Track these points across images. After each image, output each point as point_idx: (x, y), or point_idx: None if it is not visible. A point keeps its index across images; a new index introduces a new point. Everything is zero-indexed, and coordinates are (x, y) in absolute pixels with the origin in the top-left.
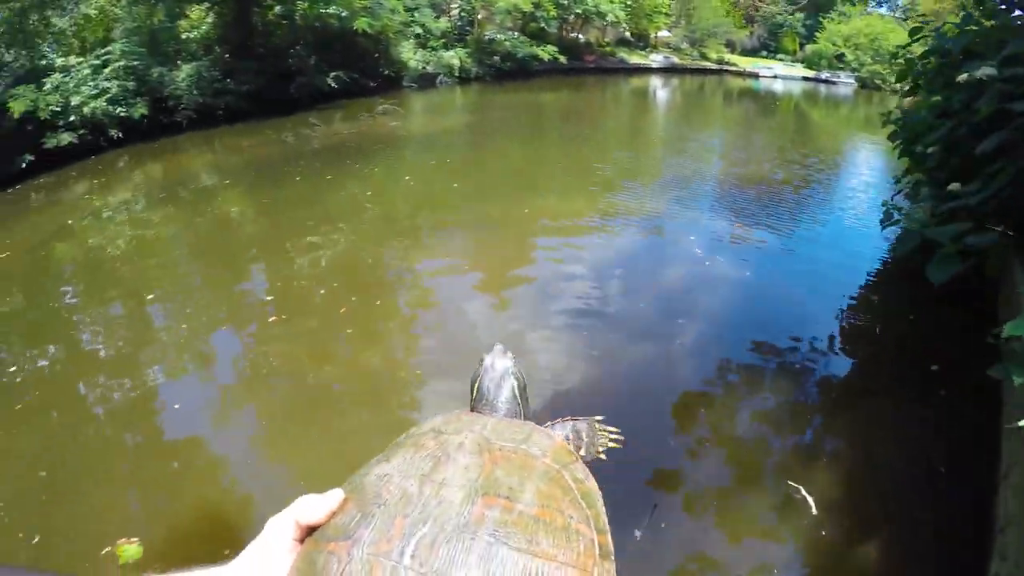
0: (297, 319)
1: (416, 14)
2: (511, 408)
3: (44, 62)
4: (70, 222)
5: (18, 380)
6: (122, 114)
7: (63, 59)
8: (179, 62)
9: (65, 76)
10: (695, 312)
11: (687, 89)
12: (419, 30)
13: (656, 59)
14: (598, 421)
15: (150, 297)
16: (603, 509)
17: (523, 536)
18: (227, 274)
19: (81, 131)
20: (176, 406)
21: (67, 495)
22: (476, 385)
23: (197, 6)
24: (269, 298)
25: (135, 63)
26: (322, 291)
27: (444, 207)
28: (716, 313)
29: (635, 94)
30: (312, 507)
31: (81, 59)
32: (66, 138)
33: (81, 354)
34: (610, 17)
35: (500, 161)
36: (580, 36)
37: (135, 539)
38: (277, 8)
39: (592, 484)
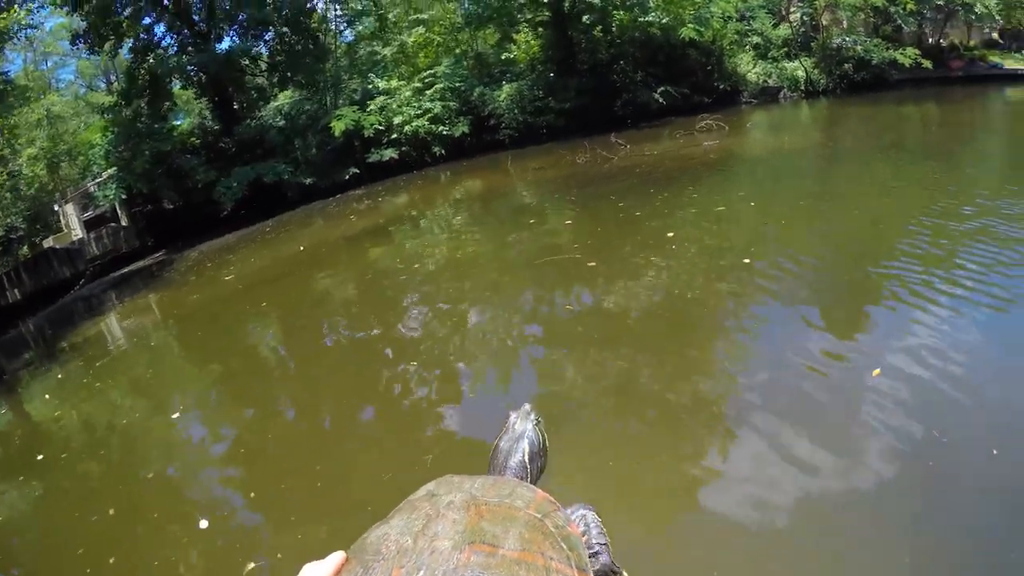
0: None
1: (753, 22)
2: (519, 472)
3: (371, 86)
4: (386, 225)
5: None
6: (444, 132)
7: (386, 83)
8: (503, 82)
9: (388, 98)
10: None
11: None
12: (757, 39)
13: None
14: (622, 573)
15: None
16: (584, 552)
17: (504, 574)
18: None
19: (404, 147)
20: None
21: None
22: (495, 444)
23: (525, 28)
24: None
25: (458, 84)
26: None
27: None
28: None
29: (1010, 108)
30: (318, 571)
31: (403, 83)
32: (388, 153)
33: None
34: (978, 8)
35: (837, 206)
36: (941, 40)
37: None
38: (586, 17)
39: (574, 529)
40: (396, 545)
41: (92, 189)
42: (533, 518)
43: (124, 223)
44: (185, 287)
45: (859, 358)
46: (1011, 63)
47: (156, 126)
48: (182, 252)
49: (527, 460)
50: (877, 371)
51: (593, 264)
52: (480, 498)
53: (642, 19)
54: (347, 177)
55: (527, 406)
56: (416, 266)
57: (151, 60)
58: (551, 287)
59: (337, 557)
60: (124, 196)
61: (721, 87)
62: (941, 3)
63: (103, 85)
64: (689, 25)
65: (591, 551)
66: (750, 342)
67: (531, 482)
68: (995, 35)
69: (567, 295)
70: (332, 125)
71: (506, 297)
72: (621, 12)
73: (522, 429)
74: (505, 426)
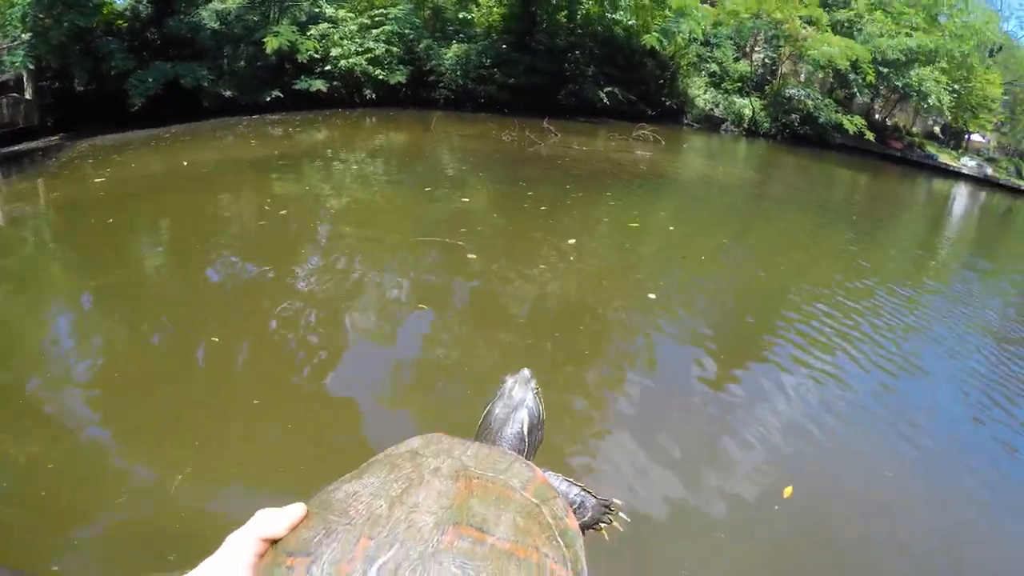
0: None
1: (716, 50)
2: (515, 444)
3: (318, 10)
4: (284, 158)
5: None
6: (380, 76)
7: (334, 11)
8: (454, 41)
9: (332, 27)
10: None
11: (992, 208)
12: (715, 68)
13: (968, 164)
14: (612, 504)
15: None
16: (582, 550)
17: (493, 571)
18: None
19: (335, 82)
20: None
21: None
22: (488, 409)
23: None
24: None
25: (407, 31)
26: None
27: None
28: None
29: (934, 199)
30: (272, 520)
31: (352, 15)
32: (317, 84)
33: None
34: (932, 100)
35: (755, 259)
36: (887, 119)
37: None
38: None
39: (572, 523)
40: (367, 509)
41: (2, 53)
42: (530, 503)
43: (28, 96)
44: (55, 181)
45: (768, 476)
46: (945, 158)
47: None
48: (75, 141)
49: (525, 432)
50: (789, 489)
51: (473, 257)
52: (472, 469)
53: (610, 15)
54: (268, 99)
55: (527, 372)
56: (282, 212)
57: None
58: (417, 276)
59: (297, 510)
60: (32, 67)
61: (668, 103)
62: (899, 84)
63: None
64: (654, 34)
65: (574, 505)
66: (619, 426)
67: (527, 457)
68: (937, 128)
69: (426, 291)
70: (265, 41)
71: (366, 273)
72: (591, 1)
73: (520, 397)
74: (500, 391)
